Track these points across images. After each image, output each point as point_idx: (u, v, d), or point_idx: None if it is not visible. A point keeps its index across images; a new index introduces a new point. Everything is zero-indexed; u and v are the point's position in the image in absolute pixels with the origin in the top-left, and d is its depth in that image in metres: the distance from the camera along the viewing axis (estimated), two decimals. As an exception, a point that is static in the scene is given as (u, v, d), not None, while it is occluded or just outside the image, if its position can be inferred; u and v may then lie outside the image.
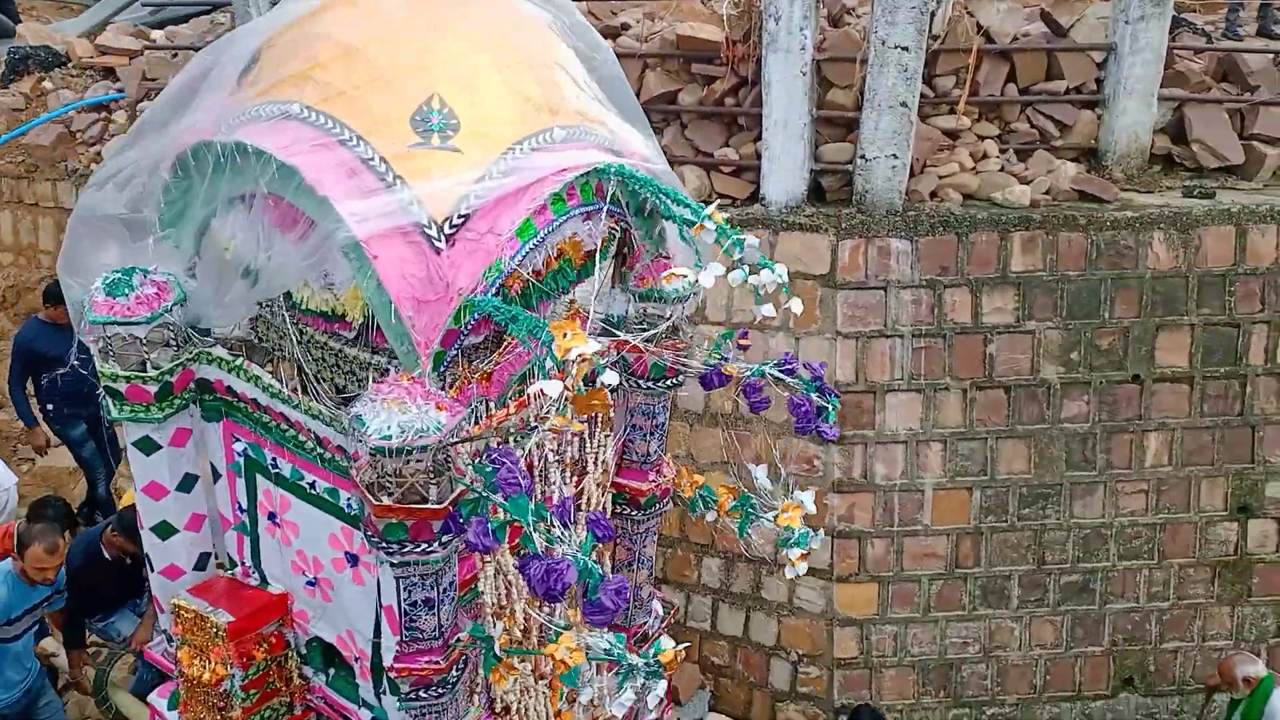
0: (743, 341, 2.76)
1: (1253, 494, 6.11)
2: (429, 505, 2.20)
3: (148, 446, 2.79)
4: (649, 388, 2.93)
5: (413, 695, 2.46)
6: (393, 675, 2.44)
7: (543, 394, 2.02)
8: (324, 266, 2.37)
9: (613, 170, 2.45)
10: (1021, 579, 6.17)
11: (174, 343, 2.68)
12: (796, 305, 2.47)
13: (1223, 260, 5.86)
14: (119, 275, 2.64)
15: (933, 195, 5.99)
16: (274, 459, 2.77)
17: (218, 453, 2.91)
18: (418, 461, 2.17)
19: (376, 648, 2.73)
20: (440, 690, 2.47)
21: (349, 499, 2.61)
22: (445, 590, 2.38)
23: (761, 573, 6.17)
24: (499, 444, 2.23)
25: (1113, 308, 5.90)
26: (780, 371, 2.63)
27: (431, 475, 2.20)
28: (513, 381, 2.59)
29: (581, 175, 2.43)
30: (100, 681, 3.90)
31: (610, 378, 2.06)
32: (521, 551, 2.08)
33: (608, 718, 2.82)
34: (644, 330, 2.75)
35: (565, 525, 2.13)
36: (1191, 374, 5.95)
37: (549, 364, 2.04)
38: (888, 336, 5.82)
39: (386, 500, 2.19)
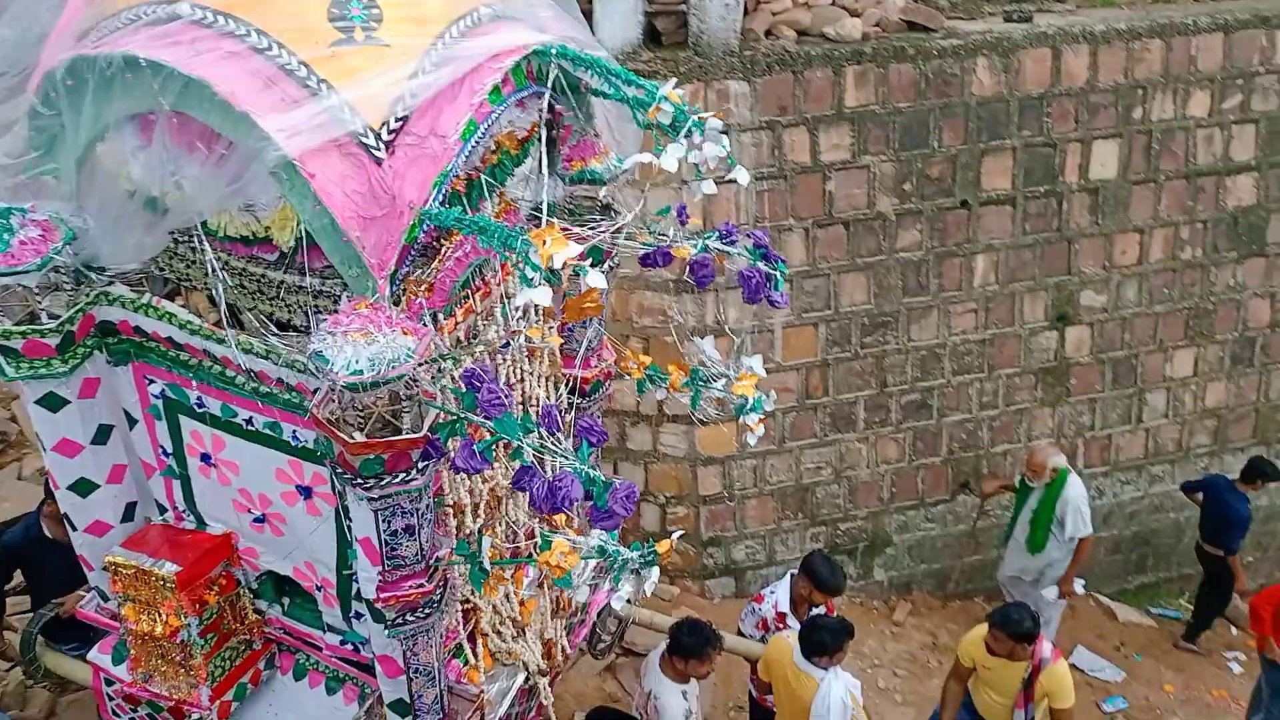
0: (684, 216, 2.71)
1: (1069, 303, 6.79)
2: (406, 435, 2.14)
3: (54, 403, 2.61)
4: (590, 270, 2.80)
5: (400, 621, 2.47)
6: (379, 606, 2.42)
7: (531, 304, 1.98)
8: (249, 190, 2.18)
9: (554, 52, 2.34)
10: (866, 403, 6.60)
11: (67, 287, 2.47)
12: (743, 176, 2.41)
13: (1040, 82, 6.19)
14: None
15: (767, 34, 5.86)
16: (199, 398, 2.65)
17: (131, 398, 2.74)
18: (391, 392, 2.08)
19: (344, 576, 2.72)
20: (428, 611, 2.49)
21: (294, 432, 2.53)
22: (423, 514, 2.36)
23: (626, 424, 6.20)
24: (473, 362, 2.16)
25: (941, 137, 6.14)
26: (723, 243, 2.60)
27: (402, 404, 2.13)
28: (456, 288, 2.51)
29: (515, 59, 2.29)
30: (27, 643, 3.73)
31: (597, 279, 2.00)
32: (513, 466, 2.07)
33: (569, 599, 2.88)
34: (577, 215, 2.69)
35: (554, 434, 2.10)
36: (1014, 195, 6.36)
37: (530, 272, 1.95)
38: (729, 183, 5.76)
39: (359, 436, 2.12)
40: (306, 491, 2.65)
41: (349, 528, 2.47)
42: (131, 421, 2.80)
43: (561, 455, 2.08)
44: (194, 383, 2.61)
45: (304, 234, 2.23)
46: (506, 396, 2.09)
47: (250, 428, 2.63)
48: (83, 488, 2.79)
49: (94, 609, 3.12)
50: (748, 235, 2.68)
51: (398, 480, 2.23)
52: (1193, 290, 6.94)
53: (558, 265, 1.96)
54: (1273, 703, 5.88)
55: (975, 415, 6.88)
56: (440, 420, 2.18)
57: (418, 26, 2.22)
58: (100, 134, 2.26)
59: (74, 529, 2.88)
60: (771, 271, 2.63)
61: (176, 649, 2.84)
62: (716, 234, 2.61)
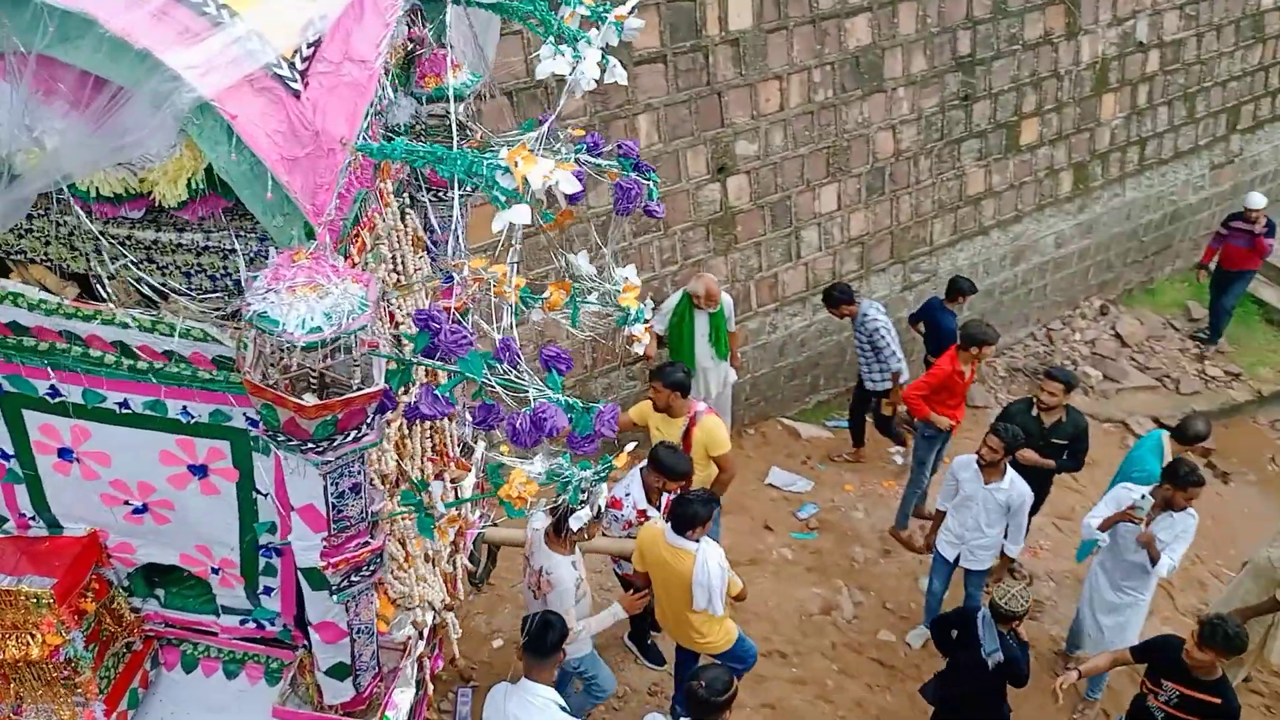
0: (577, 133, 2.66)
1: (727, 154, 7.35)
2: (364, 391, 2.06)
3: None
4: (451, 198, 2.87)
5: (346, 584, 2.46)
6: (327, 571, 2.39)
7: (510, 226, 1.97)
8: (145, 143, 1.96)
9: None
10: (554, 276, 6.77)
11: None
12: (621, 75, 2.45)
13: (664, -70, 6.42)
14: None
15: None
16: (51, 387, 2.42)
17: None
18: (345, 348, 1.98)
19: (249, 552, 2.67)
20: (373, 568, 2.50)
21: (184, 407, 2.40)
22: (364, 470, 2.35)
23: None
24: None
25: (586, -3, 6.19)
26: (590, 155, 2.55)
27: (353, 358, 2.04)
28: (348, 226, 2.36)
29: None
30: None
31: (571, 185, 2.01)
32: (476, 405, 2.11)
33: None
34: (430, 135, 2.65)
35: (515, 366, 2.11)
36: (664, 52, 6.65)
37: (501, 195, 1.95)
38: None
39: (310, 399, 2.01)
40: (201, 470, 2.52)
41: (272, 499, 2.42)
42: None
43: (534, 388, 2.08)
44: (39, 370, 2.36)
45: (199, 186, 2.06)
46: (470, 333, 2.08)
47: (125, 411, 2.43)
48: None
49: None
50: (619, 146, 2.64)
51: (350, 439, 2.15)
52: (829, 130, 7.75)
53: (535, 185, 1.95)
54: (918, 472, 7.09)
55: (659, 272, 7.32)
56: (389, 369, 2.12)
57: None
58: None
59: None
60: (645, 181, 2.62)
61: (57, 668, 2.65)
62: (584, 147, 2.46)
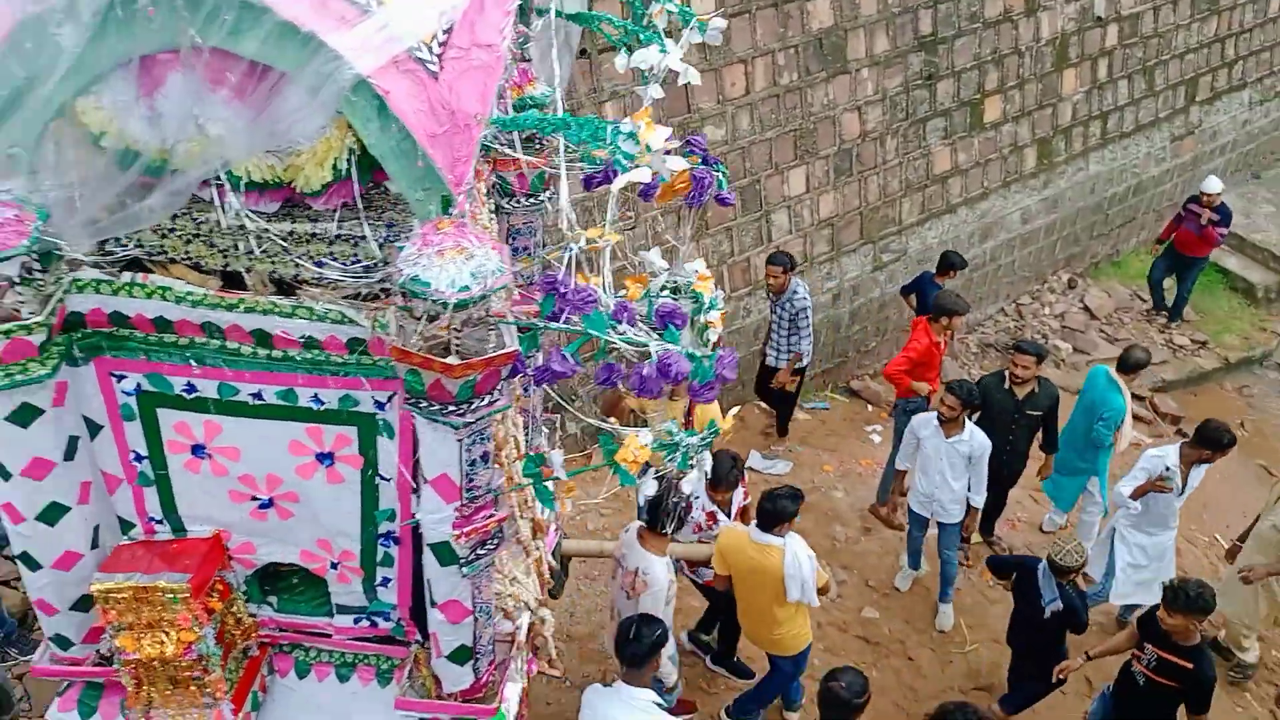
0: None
1: (694, 139, 7.34)
2: (502, 351, 2.25)
3: (26, 416, 2.39)
4: (530, 204, 3.08)
5: (474, 556, 2.59)
6: (459, 542, 2.54)
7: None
8: (300, 126, 2.13)
9: None
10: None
11: (38, 275, 2.27)
12: (694, 76, 2.66)
13: (632, -79, 6.44)
14: None
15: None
16: (189, 384, 2.53)
17: (94, 401, 2.55)
18: (484, 309, 2.19)
19: (370, 541, 2.79)
20: (496, 540, 2.63)
21: (315, 394, 2.53)
22: (491, 439, 2.51)
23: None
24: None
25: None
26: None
27: (490, 320, 2.24)
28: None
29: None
30: None
31: (678, 162, 2.28)
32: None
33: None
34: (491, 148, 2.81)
35: (632, 324, 2.34)
36: (627, 40, 6.66)
37: (625, 160, 2.23)
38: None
39: (456, 360, 2.20)
40: (328, 458, 2.62)
41: (394, 483, 2.56)
42: (94, 429, 2.58)
43: (656, 343, 2.30)
44: (190, 365, 2.48)
45: (343, 168, 2.23)
46: (593, 293, 2.29)
47: (258, 402, 2.54)
48: (53, 514, 2.54)
49: (47, 662, 2.85)
50: (689, 143, 2.85)
51: (485, 403, 2.32)
52: (795, 112, 7.84)
53: (656, 148, 2.23)
54: (898, 447, 7.26)
55: (630, 259, 7.35)
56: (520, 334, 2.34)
57: None
58: (83, 89, 2.07)
59: (35, 568, 2.62)
60: (714, 173, 2.83)
61: (189, 666, 2.72)
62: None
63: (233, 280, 2.46)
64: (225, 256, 2.44)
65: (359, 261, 2.42)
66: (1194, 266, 9.75)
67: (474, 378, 2.24)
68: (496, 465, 2.69)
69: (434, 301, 2.10)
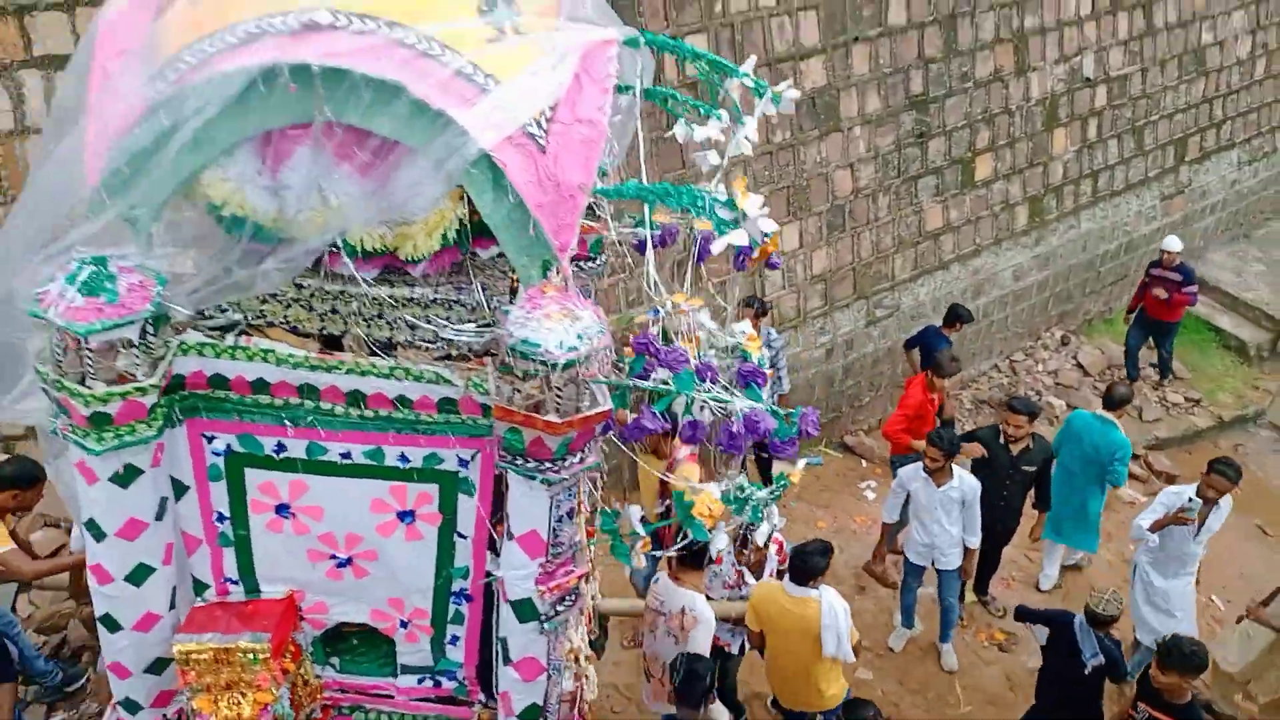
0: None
1: (688, 194, 7.43)
2: (597, 409, 2.40)
3: (128, 477, 2.46)
4: (590, 267, 3.22)
5: (554, 612, 2.67)
6: (543, 598, 2.63)
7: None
8: (419, 198, 2.28)
9: (644, 40, 2.64)
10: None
11: (150, 338, 2.37)
12: (747, 147, 2.79)
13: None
14: (90, 266, 2.26)
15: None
16: (279, 444, 2.62)
17: (184, 462, 2.63)
18: (584, 369, 2.33)
19: (441, 599, 2.87)
20: (575, 596, 2.72)
21: (402, 454, 2.64)
22: (578, 495, 2.64)
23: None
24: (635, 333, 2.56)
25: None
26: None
27: (587, 380, 2.39)
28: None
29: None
30: None
31: (769, 224, 2.50)
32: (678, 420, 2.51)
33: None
34: None
35: (715, 383, 2.52)
36: (623, 97, 6.79)
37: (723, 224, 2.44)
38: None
39: (556, 418, 2.34)
40: (409, 516, 2.72)
41: (502, 525, 2.64)
42: (180, 490, 2.65)
43: (742, 400, 2.46)
44: (284, 426, 2.57)
45: (451, 237, 2.40)
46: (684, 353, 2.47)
47: (346, 461, 2.63)
48: (139, 575, 2.60)
49: None
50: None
51: (578, 460, 2.46)
52: (788, 170, 7.95)
53: (752, 214, 2.46)
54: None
55: (625, 313, 7.39)
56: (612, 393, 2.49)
57: (541, 19, 2.43)
58: (208, 162, 2.19)
59: (115, 629, 2.66)
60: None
61: None
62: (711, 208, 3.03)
63: (328, 343, 2.59)
64: (323, 320, 2.57)
65: (454, 323, 2.56)
66: (1169, 331, 9.85)
67: (570, 435, 2.38)
68: (576, 520, 2.81)
69: (543, 362, 2.24)
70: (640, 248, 2.95)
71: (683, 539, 4.46)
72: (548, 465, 2.41)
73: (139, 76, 2.24)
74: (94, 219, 2.25)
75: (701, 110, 2.92)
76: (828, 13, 7.91)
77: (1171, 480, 9.09)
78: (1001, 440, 6.56)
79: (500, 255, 2.53)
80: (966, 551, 6.39)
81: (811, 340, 8.62)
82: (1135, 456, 9.23)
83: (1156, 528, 6.09)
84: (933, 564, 6.42)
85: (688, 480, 2.71)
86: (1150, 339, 9.91)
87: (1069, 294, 10.61)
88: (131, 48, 2.31)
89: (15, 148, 5.41)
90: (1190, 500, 6.00)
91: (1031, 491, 6.74)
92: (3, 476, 4.44)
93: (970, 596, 7.20)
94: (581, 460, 2.47)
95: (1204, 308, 11.08)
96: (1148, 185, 10.87)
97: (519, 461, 2.43)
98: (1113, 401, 6.99)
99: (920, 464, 6.19)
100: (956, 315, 8.17)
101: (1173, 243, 9.35)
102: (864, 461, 9.04)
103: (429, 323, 2.53)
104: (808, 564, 4.82)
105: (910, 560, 6.52)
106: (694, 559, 4.60)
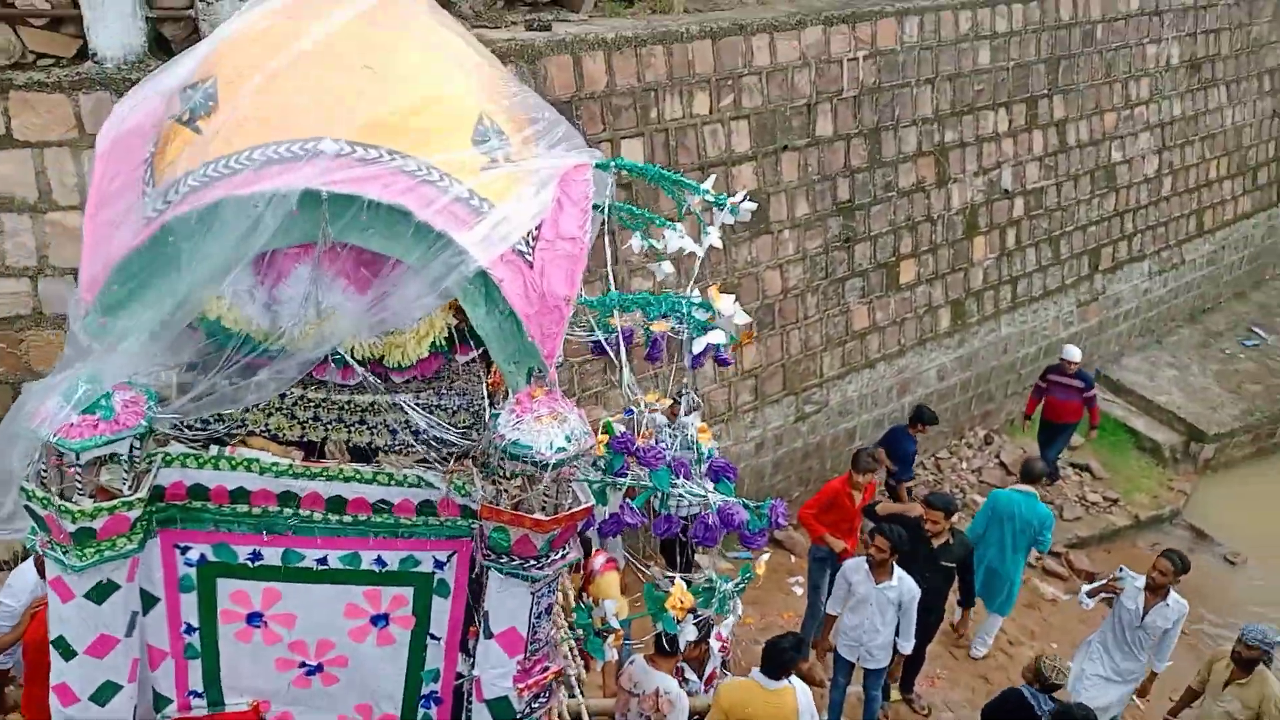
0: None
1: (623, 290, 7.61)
2: (581, 506, 2.52)
3: (104, 593, 2.46)
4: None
5: (528, 710, 2.72)
6: (521, 695, 2.68)
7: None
8: (411, 311, 2.44)
9: (614, 164, 2.91)
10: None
11: (136, 453, 2.42)
12: (715, 243, 3.13)
13: (566, 87, 6.92)
14: (82, 386, 2.31)
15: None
16: (253, 552, 2.66)
17: (155, 574, 2.64)
18: (570, 469, 2.47)
19: (410, 701, 2.87)
20: (549, 691, 2.77)
21: (377, 557, 2.70)
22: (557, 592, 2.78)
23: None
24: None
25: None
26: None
27: (569, 480, 2.51)
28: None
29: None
30: None
31: (743, 317, 2.84)
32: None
33: None
34: None
35: (689, 478, 2.68)
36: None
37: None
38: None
39: (543, 515, 2.45)
40: (382, 620, 2.77)
41: (483, 622, 2.69)
42: (149, 603, 2.65)
43: (715, 495, 2.61)
44: (260, 534, 2.61)
45: (440, 345, 2.54)
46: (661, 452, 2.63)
47: (322, 568, 2.68)
48: (105, 694, 2.56)
49: None
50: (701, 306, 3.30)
51: (560, 556, 2.56)
52: (719, 268, 8.21)
53: (727, 313, 2.78)
54: (813, 598, 7.30)
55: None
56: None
57: (526, 146, 2.63)
58: (208, 282, 2.28)
59: None
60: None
61: None
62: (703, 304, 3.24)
63: (307, 449, 2.66)
64: (304, 427, 2.64)
65: (431, 428, 2.66)
66: (1067, 431, 10.07)
67: (555, 532, 2.49)
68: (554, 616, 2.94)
69: (534, 463, 2.36)
70: (596, 350, 3.16)
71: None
72: (532, 562, 2.52)
73: (137, 198, 2.34)
74: (90, 337, 2.32)
75: (657, 223, 3.22)
76: (759, 122, 8.31)
77: (1091, 578, 9.33)
78: (923, 535, 6.73)
79: (474, 360, 2.68)
80: (896, 655, 6.47)
81: (742, 434, 8.77)
82: (1056, 555, 9.49)
83: (1094, 593, 6.56)
84: (858, 661, 6.52)
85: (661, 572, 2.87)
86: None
87: (990, 394, 10.98)
88: (129, 170, 2.43)
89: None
90: (1120, 569, 6.46)
91: (955, 588, 6.91)
92: None
93: (896, 695, 7.24)
94: (563, 556, 2.58)
95: (1120, 410, 11.53)
96: (1064, 292, 11.40)
97: (503, 559, 2.53)
98: (1031, 475, 7.64)
99: (865, 557, 6.29)
100: (919, 416, 8.54)
101: (1073, 352, 9.68)
102: (792, 557, 9.12)
103: (409, 426, 2.63)
104: (783, 656, 4.93)
105: (840, 654, 6.59)
106: (668, 649, 4.69)
